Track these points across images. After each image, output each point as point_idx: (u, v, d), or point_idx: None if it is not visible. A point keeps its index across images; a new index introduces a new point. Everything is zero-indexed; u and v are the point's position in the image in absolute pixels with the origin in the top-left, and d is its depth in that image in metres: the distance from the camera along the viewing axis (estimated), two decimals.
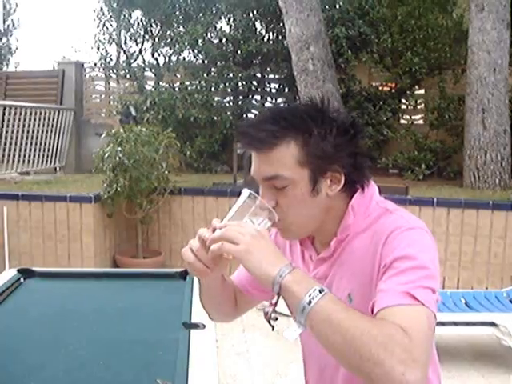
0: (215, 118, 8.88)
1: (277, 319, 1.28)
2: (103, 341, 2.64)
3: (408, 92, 9.04)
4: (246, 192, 1.29)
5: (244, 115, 9.29)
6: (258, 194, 1.29)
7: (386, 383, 1.04)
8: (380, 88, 9.16)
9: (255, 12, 8.97)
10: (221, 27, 9.14)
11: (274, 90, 9.46)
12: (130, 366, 2.37)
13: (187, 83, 8.93)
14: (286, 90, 8.99)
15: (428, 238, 1.27)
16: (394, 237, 1.26)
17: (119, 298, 3.35)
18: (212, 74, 8.94)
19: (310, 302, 1.12)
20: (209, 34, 8.90)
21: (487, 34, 7.08)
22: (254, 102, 9.44)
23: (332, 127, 1.31)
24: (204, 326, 2.68)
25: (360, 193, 1.37)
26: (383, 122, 8.70)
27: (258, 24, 9.13)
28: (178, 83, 9.07)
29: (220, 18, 9.05)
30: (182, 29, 8.99)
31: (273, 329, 1.32)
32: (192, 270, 1.28)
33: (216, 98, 9.06)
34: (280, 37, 8.90)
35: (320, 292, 1.13)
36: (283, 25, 8.18)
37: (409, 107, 9.19)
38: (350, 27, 8.57)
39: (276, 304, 1.21)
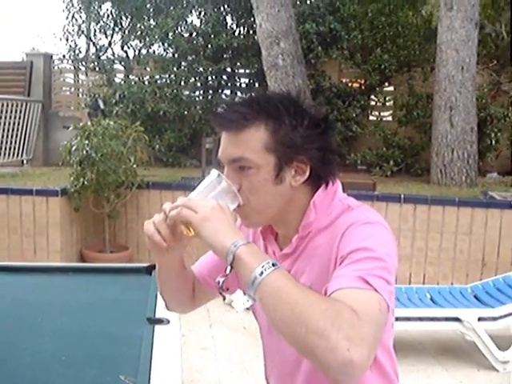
0: (185, 112, 8.86)
1: (227, 289, 1.30)
2: (67, 335, 2.61)
3: (377, 89, 9.12)
4: (214, 172, 1.31)
5: (214, 110, 9.24)
6: None
7: (329, 359, 1.02)
8: (349, 84, 9.22)
9: (226, 6, 8.95)
10: (191, 21, 9.10)
11: (244, 85, 9.45)
12: (93, 361, 2.34)
13: (157, 77, 8.88)
14: (257, 84, 8.98)
15: (386, 232, 1.28)
16: (351, 230, 1.27)
17: (84, 292, 3.31)
18: (182, 67, 8.89)
19: (261, 273, 1.12)
20: (179, 27, 8.85)
21: (456, 32, 7.16)
22: (224, 96, 9.41)
23: (304, 119, 1.32)
24: (168, 322, 2.66)
25: (323, 189, 1.37)
26: (352, 118, 8.75)
27: (228, 18, 9.11)
28: (147, 76, 9.01)
29: (191, 12, 9.01)
30: (152, 22, 8.92)
31: (224, 299, 1.35)
32: (150, 243, 1.30)
33: (186, 92, 9.02)
34: (251, 31, 8.89)
35: (273, 265, 1.13)
36: (254, 19, 8.17)
37: (378, 104, 9.27)
38: (321, 23, 8.59)
39: (227, 275, 1.23)
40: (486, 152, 8.29)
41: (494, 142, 8.41)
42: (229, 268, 1.19)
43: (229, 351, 4.79)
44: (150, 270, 3.54)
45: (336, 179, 1.40)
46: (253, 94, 1.38)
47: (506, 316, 4.46)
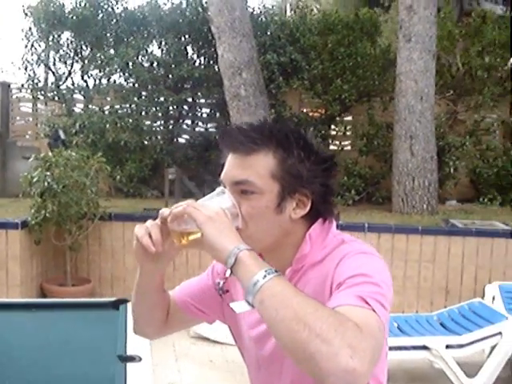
0: (146, 142, 8.79)
1: (228, 291, 1.38)
2: (32, 378, 2.50)
3: (337, 118, 9.22)
4: (219, 189, 1.31)
5: (175, 140, 9.22)
6: None
7: (331, 365, 1.00)
8: (310, 114, 9.30)
9: (187, 36, 8.95)
10: (152, 51, 9.07)
11: (205, 115, 9.44)
12: None
13: (117, 107, 8.80)
14: (218, 114, 8.98)
15: (381, 262, 1.29)
16: (346, 259, 1.27)
17: (49, 330, 3.19)
18: (143, 97, 8.83)
19: (264, 276, 1.11)
20: (140, 57, 8.80)
21: (414, 63, 7.30)
22: (184, 126, 9.39)
23: (311, 153, 1.34)
24: (140, 359, 2.59)
25: (319, 223, 1.37)
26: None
27: (189, 48, 9.11)
28: (107, 106, 8.92)
29: (151, 42, 8.98)
30: (112, 51, 8.86)
31: (222, 298, 1.43)
32: (137, 247, 1.29)
33: (147, 122, 8.96)
34: (211, 62, 8.90)
35: (276, 272, 1.13)
36: (215, 50, 8.20)
37: (338, 133, 9.36)
38: (282, 54, 8.67)
39: (227, 278, 1.28)
40: (444, 180, 8.43)
41: (452, 170, 8.58)
42: (228, 271, 1.18)
43: None
44: (117, 304, 3.46)
45: (333, 217, 1.39)
46: (264, 121, 1.38)
47: (472, 343, 4.48)
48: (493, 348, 4.69)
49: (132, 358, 2.58)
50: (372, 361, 1.03)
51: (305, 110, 9.36)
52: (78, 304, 3.82)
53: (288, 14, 9.44)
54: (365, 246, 1.33)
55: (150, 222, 1.28)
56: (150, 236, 1.26)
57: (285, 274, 1.35)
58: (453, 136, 8.74)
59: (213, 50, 8.69)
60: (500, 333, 4.51)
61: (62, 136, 6.72)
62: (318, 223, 1.37)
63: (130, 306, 3.44)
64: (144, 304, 1.52)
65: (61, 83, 9.02)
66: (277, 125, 1.40)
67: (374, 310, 1.12)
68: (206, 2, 8.54)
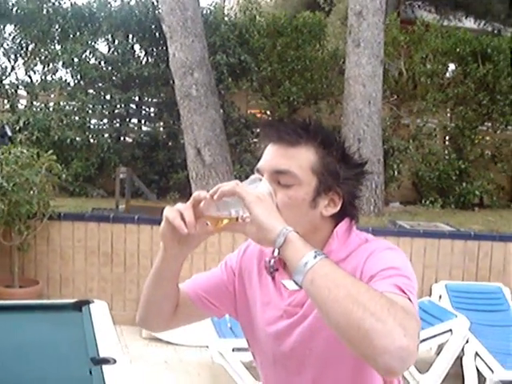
0: (92, 140, 8.63)
1: (277, 270, 1.40)
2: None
3: (285, 120, 9.28)
4: (253, 176, 1.34)
5: (122, 138, 9.11)
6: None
7: (386, 342, 1.03)
8: (258, 115, 9.35)
9: (135, 35, 8.84)
10: (98, 48, 8.91)
11: (152, 114, 9.35)
12: None
13: (63, 104, 8.62)
14: (165, 114, 8.91)
15: (406, 258, 1.34)
16: (376, 254, 1.32)
17: (11, 333, 3.09)
18: (90, 95, 8.67)
19: (315, 256, 1.13)
20: (87, 54, 8.64)
21: (363, 68, 7.45)
22: (132, 125, 9.28)
23: (348, 157, 1.41)
24: (115, 361, 2.56)
25: (345, 222, 1.42)
26: (261, 148, 8.84)
27: (138, 47, 9.00)
28: (53, 103, 8.73)
29: (99, 39, 8.82)
30: (58, 47, 8.65)
31: (273, 279, 1.44)
32: (166, 229, 1.29)
33: (93, 121, 8.80)
34: (160, 61, 8.83)
35: (324, 254, 1.15)
36: (164, 49, 8.14)
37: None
38: (231, 55, 8.68)
39: (276, 257, 1.33)
40: (388, 182, 8.63)
41: (396, 172, 8.81)
42: (276, 251, 1.20)
43: None
44: (79, 306, 3.40)
45: (357, 220, 1.43)
46: (309, 119, 1.43)
47: (424, 340, 4.61)
48: (440, 345, 4.86)
49: (106, 361, 2.55)
50: (418, 342, 1.07)
51: (253, 112, 9.39)
52: (36, 306, 3.72)
53: (238, 15, 9.42)
54: (390, 243, 1.39)
55: (181, 205, 1.28)
56: (183, 218, 1.25)
57: None
58: (397, 140, 8.97)
59: (162, 48, 8.64)
60: (450, 330, 4.67)
61: (9, 133, 6.53)
62: (344, 222, 1.43)
63: (93, 307, 3.42)
64: (157, 292, 1.50)
65: (4, 78, 8.75)
66: (320, 124, 1.45)
67: (409, 299, 1.18)
68: (156, 1, 8.47)
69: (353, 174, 1.41)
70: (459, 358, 4.65)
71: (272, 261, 1.39)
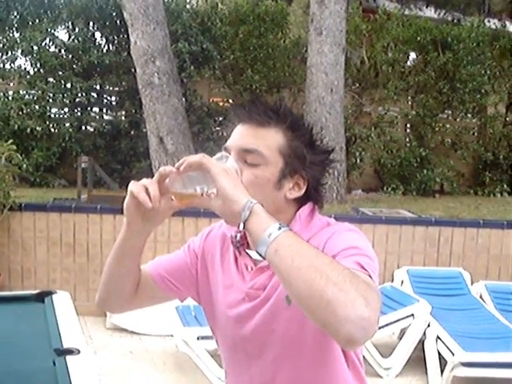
0: (53, 130, 8.52)
1: (243, 244, 1.42)
2: None
3: None
4: (218, 154, 1.33)
5: (83, 127, 8.99)
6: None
7: (348, 311, 1.04)
8: (221, 104, 9.33)
9: (96, 22, 8.72)
10: (57, 36, 8.77)
11: (114, 103, 9.24)
12: None
13: (23, 92, 8.47)
14: (127, 103, 8.82)
15: (366, 239, 1.37)
16: (336, 235, 1.35)
17: None
18: (50, 83, 8.53)
19: (279, 228, 1.15)
20: (47, 41, 8.49)
21: (325, 56, 7.48)
22: (93, 114, 9.16)
23: (316, 142, 1.43)
24: (79, 351, 2.54)
25: (308, 206, 1.45)
26: (224, 137, 8.82)
27: (98, 34, 8.88)
28: (12, 92, 8.57)
29: (59, 26, 8.67)
30: (17, 34, 8.49)
31: (240, 254, 1.46)
32: (131, 203, 1.30)
33: (54, 109, 8.67)
34: (121, 49, 8.73)
35: (288, 227, 1.17)
36: (125, 36, 8.05)
37: None
38: (193, 43, 8.64)
39: (241, 231, 1.33)
40: (350, 170, 8.71)
41: (358, 160, 8.90)
42: (241, 225, 1.20)
43: (116, 379, 4.64)
44: (41, 297, 3.36)
45: (321, 206, 1.45)
46: (280, 102, 1.44)
47: (387, 325, 4.68)
48: (402, 330, 4.94)
49: (70, 351, 2.53)
50: (378, 315, 1.10)
51: (215, 100, 9.37)
52: None
53: (199, 2, 9.35)
54: (351, 225, 1.42)
55: (146, 180, 1.28)
56: (147, 192, 1.25)
57: None
58: (359, 127, 9.05)
59: (123, 36, 8.54)
60: (412, 315, 4.75)
61: None
62: (307, 206, 1.45)
63: (55, 298, 3.38)
64: (118, 270, 1.49)
65: None
66: (290, 109, 1.46)
67: (370, 277, 1.20)
68: None
69: (319, 159, 1.43)
70: (421, 342, 4.74)
71: (238, 235, 1.40)
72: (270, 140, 1.37)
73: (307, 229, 1.42)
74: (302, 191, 1.41)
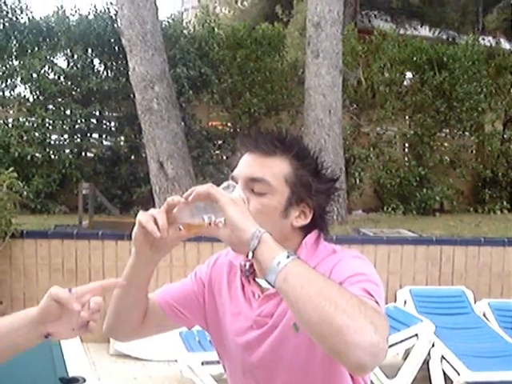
0: (53, 156, 8.55)
1: (253, 273, 1.41)
2: None
3: (247, 132, 9.33)
4: (225, 183, 1.33)
5: (83, 154, 9.03)
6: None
7: (357, 338, 1.05)
8: (220, 127, 9.38)
9: (95, 49, 8.80)
10: (56, 63, 8.84)
11: (113, 129, 9.29)
12: None
13: (23, 120, 8.52)
14: (127, 128, 8.87)
15: (372, 266, 1.38)
16: (342, 262, 1.37)
17: None
18: (49, 110, 8.59)
19: (287, 256, 1.16)
20: (46, 69, 8.56)
21: (322, 78, 7.54)
22: (93, 140, 9.20)
23: (321, 171, 1.46)
24: (84, 380, 2.54)
25: (314, 233, 1.46)
26: (223, 160, 8.89)
27: (97, 61, 8.95)
28: (12, 119, 8.61)
29: (58, 53, 8.75)
30: (16, 62, 8.56)
31: (249, 282, 1.45)
32: (139, 233, 1.31)
33: (54, 136, 8.72)
34: (120, 75, 8.80)
35: (297, 255, 1.18)
36: (123, 62, 8.10)
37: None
38: (191, 67, 8.70)
39: (250, 260, 1.28)
40: (350, 191, 8.74)
41: (357, 181, 8.93)
42: (250, 254, 1.21)
43: None
44: None
45: (326, 234, 1.46)
46: (286, 131, 1.47)
47: (392, 346, 4.67)
48: (407, 350, 4.92)
49: (76, 380, 2.54)
50: (387, 341, 1.11)
51: (214, 124, 9.42)
52: None
53: (197, 27, 9.43)
54: (357, 252, 1.44)
55: (154, 210, 1.29)
56: (156, 222, 1.26)
57: None
58: (357, 148, 9.09)
59: (121, 62, 8.60)
60: (416, 335, 4.74)
61: None
62: (313, 233, 1.46)
63: None
64: (126, 300, 1.50)
65: None
66: (296, 137, 1.48)
67: (377, 303, 1.22)
68: (115, 14, 8.45)
69: (324, 188, 1.45)
70: (426, 362, 4.73)
71: (247, 264, 1.41)
72: (276, 169, 1.39)
73: (313, 256, 1.43)
74: (308, 219, 1.43)
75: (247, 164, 1.41)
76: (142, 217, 1.28)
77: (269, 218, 1.37)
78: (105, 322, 1.58)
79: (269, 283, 1.18)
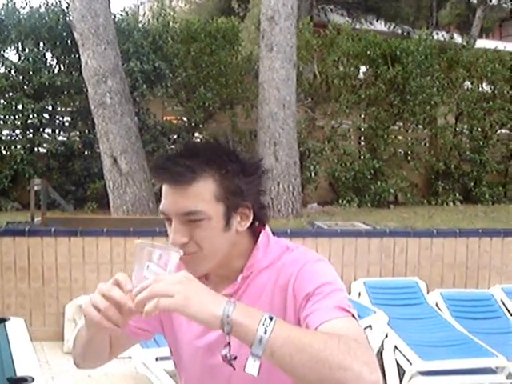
0: (4, 152, 8.39)
1: (235, 358, 1.23)
2: None
3: (202, 126, 9.31)
4: (139, 244, 1.24)
5: (36, 149, 8.87)
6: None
7: None
8: (175, 122, 9.33)
9: (46, 42, 8.64)
10: (7, 57, 8.66)
11: (66, 124, 9.14)
12: None
13: None
14: (80, 123, 8.75)
15: (332, 267, 1.37)
16: (307, 269, 1.34)
17: None
18: (0, 105, 8.40)
19: (265, 331, 1.12)
20: None
21: (276, 72, 7.56)
22: (45, 135, 9.04)
23: (243, 165, 1.37)
24: (33, 379, 2.50)
25: (264, 231, 1.43)
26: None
27: (49, 55, 8.80)
28: None
29: (8, 47, 8.57)
30: None
31: (234, 369, 1.24)
32: (94, 327, 1.24)
33: (5, 132, 8.54)
34: (73, 69, 8.66)
35: (270, 319, 1.13)
36: (76, 56, 7.98)
37: (203, 141, 9.44)
38: (145, 61, 8.62)
39: (229, 343, 1.18)
40: (305, 184, 8.79)
41: (312, 174, 8.98)
42: (227, 337, 1.15)
43: None
44: None
45: (268, 220, 1.45)
46: (192, 144, 1.43)
47: None
48: None
49: (24, 380, 2.49)
50: (378, 366, 1.14)
51: (169, 118, 9.36)
52: None
53: (151, 21, 9.35)
54: (313, 254, 1.40)
55: (101, 303, 1.19)
56: (110, 318, 1.19)
57: (235, 282, 1.40)
58: (312, 142, 9.15)
59: (74, 56, 8.47)
60: (370, 326, 4.79)
61: None
62: (262, 232, 1.43)
63: (8, 324, 3.33)
64: (92, 353, 1.48)
65: None
66: (206, 145, 1.40)
67: (353, 316, 1.23)
68: (67, 7, 8.31)
69: (255, 179, 1.40)
70: (379, 353, 4.78)
71: (228, 350, 1.22)
72: (204, 194, 1.32)
73: (265, 253, 1.41)
74: (251, 218, 1.39)
75: (173, 198, 1.33)
76: (93, 317, 1.20)
77: (215, 238, 1.34)
78: (73, 357, 1.55)
79: (256, 358, 1.14)
